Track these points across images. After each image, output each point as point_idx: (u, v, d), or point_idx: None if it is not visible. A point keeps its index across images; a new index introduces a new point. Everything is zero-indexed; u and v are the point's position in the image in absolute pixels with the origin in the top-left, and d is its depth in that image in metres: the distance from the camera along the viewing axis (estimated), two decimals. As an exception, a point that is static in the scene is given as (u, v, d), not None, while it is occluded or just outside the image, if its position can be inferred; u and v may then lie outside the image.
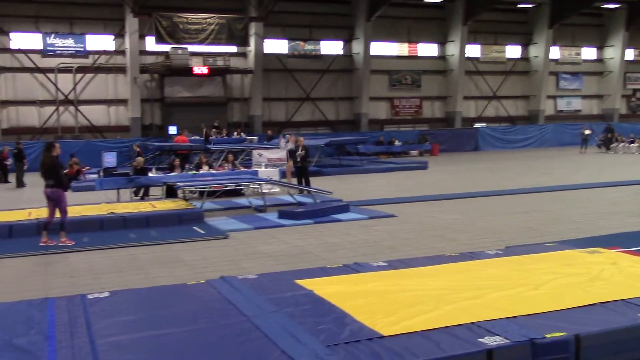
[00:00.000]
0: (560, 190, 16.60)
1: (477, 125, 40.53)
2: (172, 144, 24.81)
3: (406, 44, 39.51)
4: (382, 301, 5.70)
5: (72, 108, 32.05)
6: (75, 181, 19.84)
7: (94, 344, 4.80)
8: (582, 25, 43.52)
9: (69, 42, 31.66)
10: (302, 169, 17.64)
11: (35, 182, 20.65)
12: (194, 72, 32.80)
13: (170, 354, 4.58)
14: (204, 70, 32.99)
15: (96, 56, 32.17)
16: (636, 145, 32.84)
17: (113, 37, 32.38)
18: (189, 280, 7.43)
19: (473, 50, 40.92)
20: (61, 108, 31.81)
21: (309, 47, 36.81)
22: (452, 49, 39.63)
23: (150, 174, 16.90)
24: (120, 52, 32.54)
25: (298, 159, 17.81)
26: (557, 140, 39.81)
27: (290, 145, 16.78)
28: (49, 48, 31.27)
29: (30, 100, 31.25)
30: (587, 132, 33.78)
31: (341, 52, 37.60)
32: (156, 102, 33.54)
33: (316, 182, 18.27)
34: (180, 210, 12.77)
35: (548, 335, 4.62)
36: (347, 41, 37.59)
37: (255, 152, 21.58)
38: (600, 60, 45.39)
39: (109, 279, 8.16)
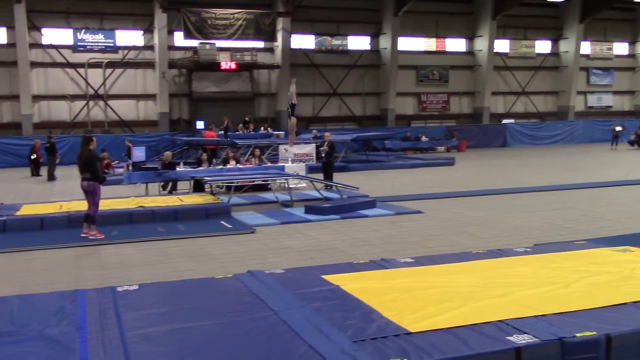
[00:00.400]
0: (590, 188, 16.37)
1: (505, 121, 40.11)
2: (200, 139, 25.01)
3: (434, 39, 39.23)
4: (409, 297, 5.69)
5: (101, 103, 32.48)
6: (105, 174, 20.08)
7: (123, 335, 4.86)
8: (614, 19, 42.77)
9: (99, 38, 32.08)
10: (327, 165, 17.64)
11: (66, 175, 21.04)
12: (222, 67, 33.01)
13: (198, 347, 4.63)
14: (232, 65, 33.17)
15: (125, 51, 32.54)
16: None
17: (142, 32, 32.71)
18: (216, 274, 7.49)
19: (502, 46, 40.50)
20: (91, 102, 32.26)
21: (336, 42, 36.76)
22: (481, 44, 39.26)
23: (178, 169, 17.05)
24: (149, 47, 32.87)
25: (323, 154, 17.82)
26: (587, 136, 39.27)
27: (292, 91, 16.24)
28: (79, 43, 31.71)
29: (61, 95, 31.74)
30: (618, 128, 33.23)
31: (368, 47, 37.48)
32: (184, 97, 33.82)
33: (342, 178, 18.27)
34: (208, 205, 12.87)
35: (578, 335, 4.57)
36: (375, 36, 37.46)
37: (281, 147, 21.62)
38: (632, 55, 44.59)
39: (138, 271, 8.27)
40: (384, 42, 37.09)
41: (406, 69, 38.12)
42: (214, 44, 32.82)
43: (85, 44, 31.82)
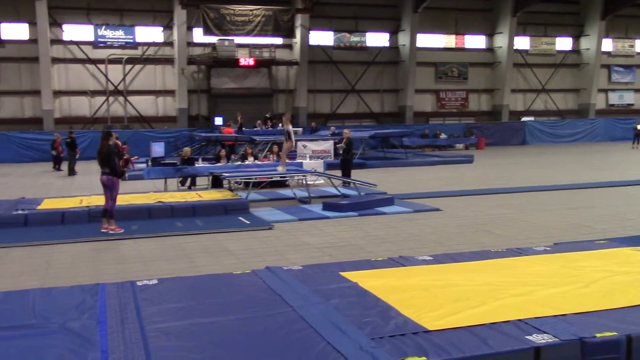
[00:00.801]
0: (610, 187, 16.20)
1: (524, 118, 39.78)
2: (218, 135, 25.10)
3: (453, 36, 38.99)
4: (427, 295, 5.67)
5: (121, 98, 32.71)
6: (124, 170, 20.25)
7: (143, 329, 4.91)
8: (636, 16, 42.14)
9: (119, 34, 32.29)
10: (345, 162, 17.63)
11: (86, 170, 21.23)
12: (240, 64, 33.10)
13: (217, 342, 4.66)
14: (250, 61, 33.25)
15: (145, 47, 32.73)
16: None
17: (162, 28, 32.89)
18: (234, 269, 7.52)
19: (522, 43, 40.13)
20: (111, 98, 32.51)
21: (354, 38, 36.67)
22: (500, 40, 38.95)
23: (196, 164, 17.14)
24: (168, 43, 33.03)
25: (340, 151, 17.80)
26: (608, 135, 38.82)
27: (287, 128, 16.30)
28: (99, 39, 31.96)
29: (81, 91, 32.02)
30: (640, 127, 32.81)
31: (387, 43, 37.35)
32: (203, 93, 33.96)
33: (360, 175, 18.24)
34: (226, 201, 12.92)
35: (598, 335, 4.53)
36: (393, 33, 37.32)
37: (299, 144, 21.65)
38: (655, 52, 44.00)
39: (157, 266, 8.33)
40: (403, 39, 36.94)
41: (425, 66, 37.93)
42: (233, 40, 32.91)
43: (106, 40, 32.06)
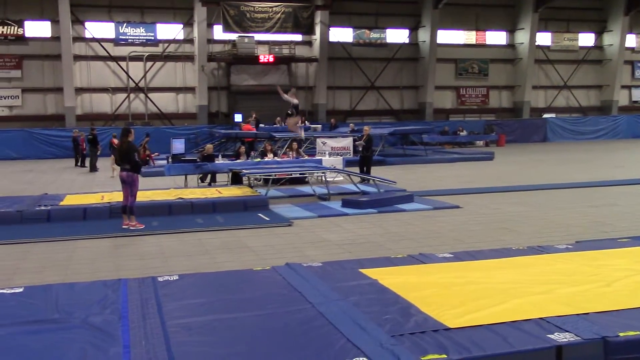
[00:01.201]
0: (633, 184, 15.98)
1: (546, 115, 39.39)
2: (238, 132, 25.19)
3: (474, 32, 38.69)
4: (447, 293, 5.65)
5: (142, 95, 32.95)
6: (145, 166, 20.42)
7: (164, 325, 4.95)
8: (661, 11, 41.55)
9: (140, 31, 32.52)
10: (365, 159, 17.60)
11: (107, 166, 21.41)
12: (260, 61, 33.14)
13: (237, 337, 4.68)
14: (270, 58, 33.28)
15: (166, 45, 32.92)
16: None
17: (182, 26, 33.06)
18: (254, 266, 7.55)
19: (543, 39, 39.73)
20: (132, 95, 32.77)
21: (374, 35, 36.56)
22: (522, 37, 38.60)
23: (216, 161, 17.22)
24: (188, 40, 33.20)
25: (359, 148, 17.78)
26: (631, 132, 38.32)
27: (293, 100, 16.46)
28: (121, 37, 32.21)
29: (103, 88, 32.31)
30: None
31: (407, 40, 37.18)
32: (222, 90, 34.09)
33: (380, 172, 18.20)
34: (246, 197, 12.97)
35: (622, 334, 4.48)
36: (413, 29, 37.14)
37: (319, 141, 21.65)
38: (680, 48, 43.30)
39: (178, 262, 8.39)
40: (423, 35, 36.75)
41: (445, 62, 37.70)
42: (253, 37, 32.98)
43: (127, 37, 32.30)
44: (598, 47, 41.24)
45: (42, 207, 11.66)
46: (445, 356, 4.17)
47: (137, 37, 32.46)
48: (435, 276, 6.28)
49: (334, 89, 35.78)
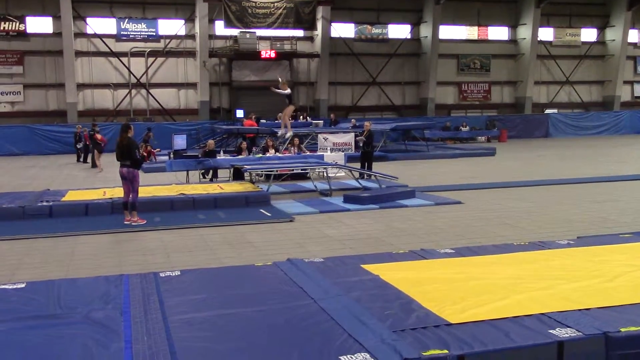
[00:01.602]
0: (635, 180, 15.96)
1: (548, 111, 39.34)
2: (240, 127, 25.18)
3: (476, 28, 38.63)
4: (449, 288, 5.65)
5: (143, 91, 32.95)
6: (147, 162, 20.44)
7: (166, 320, 4.95)
8: (664, 7, 41.44)
9: (141, 27, 32.51)
10: (366, 154, 17.59)
11: (109, 162, 21.43)
12: (262, 56, 33.12)
13: (239, 333, 4.69)
14: (272, 54, 33.25)
15: (167, 40, 32.91)
16: None
17: (183, 21, 33.03)
18: (256, 261, 7.56)
19: (546, 34, 39.65)
20: (133, 91, 32.77)
21: (376, 30, 36.51)
22: (524, 32, 38.52)
23: (218, 157, 17.22)
24: (190, 36, 33.19)
25: (361, 144, 17.77)
26: (634, 127, 38.28)
27: (285, 90, 16.59)
28: (122, 33, 32.20)
29: (104, 84, 32.32)
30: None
31: (409, 35, 37.12)
32: (224, 85, 34.09)
33: (381, 167, 18.20)
34: (247, 193, 12.97)
35: (623, 330, 4.48)
36: (415, 25, 37.08)
37: (320, 136, 21.64)
38: (682, 43, 43.20)
39: (180, 258, 8.40)
40: (425, 31, 36.69)
41: (447, 58, 37.66)
42: (254, 32, 32.95)
43: (128, 33, 32.29)
44: (600, 42, 41.15)
45: (44, 203, 11.68)
46: (447, 351, 4.17)
47: (139, 33, 32.45)
48: (436, 272, 6.28)
49: (335, 84, 35.75)
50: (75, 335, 4.69)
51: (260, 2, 32.75)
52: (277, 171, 15.17)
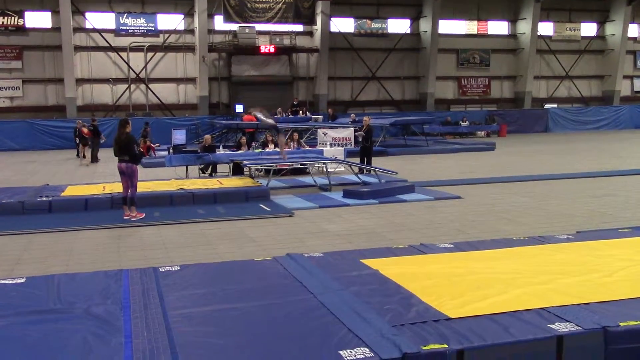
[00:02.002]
0: (635, 175, 15.97)
1: (547, 105, 39.29)
2: (239, 122, 25.16)
3: (475, 22, 38.54)
4: (448, 283, 5.66)
5: (143, 86, 32.90)
6: (146, 157, 20.43)
7: (166, 315, 4.96)
8: (664, 1, 41.37)
9: (140, 22, 32.43)
10: (365, 149, 17.58)
11: (108, 157, 21.43)
12: (261, 51, 33.05)
13: (239, 327, 4.69)
14: (271, 49, 33.19)
15: (166, 35, 32.83)
16: None
17: (183, 16, 32.95)
18: (256, 256, 7.57)
19: (545, 29, 39.57)
20: (133, 86, 32.71)
21: (375, 25, 36.43)
22: (524, 27, 38.45)
23: (217, 152, 17.21)
24: (189, 31, 33.11)
25: (360, 139, 17.76)
26: (633, 122, 38.25)
27: (261, 116, 16.56)
28: (121, 27, 32.12)
29: (104, 79, 32.25)
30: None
31: (408, 30, 37.05)
32: (223, 80, 34.03)
33: (381, 162, 18.20)
34: (247, 188, 12.97)
35: (622, 324, 4.49)
36: (415, 19, 37.01)
37: (320, 131, 21.63)
38: (682, 38, 43.13)
39: (179, 252, 8.41)
40: (424, 25, 36.62)
41: (446, 53, 37.59)
42: (254, 27, 32.87)
43: (127, 28, 32.21)
44: (600, 37, 41.09)
45: (44, 198, 11.67)
46: (446, 346, 4.18)
47: (138, 28, 32.38)
48: (436, 266, 6.28)
49: (335, 79, 35.70)
50: (76, 330, 4.69)
51: (260, -3, 32.70)
52: (276, 166, 15.18)
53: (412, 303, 5.10)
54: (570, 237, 7.75)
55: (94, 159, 22.30)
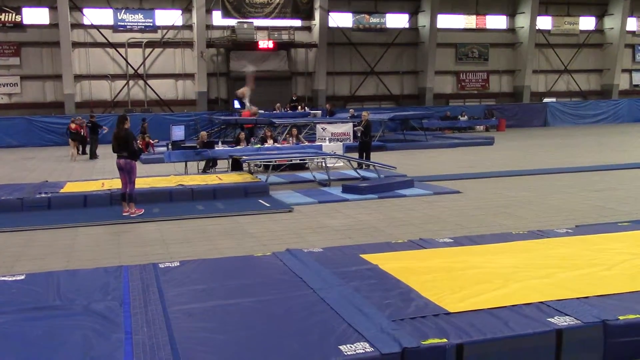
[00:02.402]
0: (634, 168, 15.97)
1: (546, 100, 39.29)
2: (238, 118, 25.13)
3: (474, 16, 38.48)
4: (448, 278, 5.67)
5: (141, 82, 32.85)
6: (145, 153, 20.41)
7: (166, 311, 4.97)
8: (663, -6, 41.32)
9: (138, 18, 32.35)
10: (364, 144, 17.58)
11: (107, 154, 21.41)
12: (259, 47, 32.99)
13: (239, 323, 4.70)
14: (269, 44, 33.13)
15: (164, 31, 32.75)
16: None
17: (181, 12, 32.88)
18: (255, 252, 7.57)
19: (544, 22, 39.54)
20: (131, 82, 32.66)
21: (374, 20, 36.37)
22: (522, 21, 38.41)
23: (216, 147, 17.19)
24: (187, 26, 33.04)
25: (358, 134, 17.74)
26: (632, 116, 38.26)
27: (246, 103, 16.68)
28: (119, 23, 32.05)
29: (102, 75, 32.19)
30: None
31: (406, 25, 37.00)
32: (222, 76, 33.99)
33: (380, 157, 18.19)
34: (246, 183, 12.97)
35: (621, 317, 4.50)
36: (413, 14, 36.95)
37: (319, 126, 21.61)
38: (681, 31, 43.09)
39: (179, 248, 8.41)
40: (423, 20, 36.57)
41: (445, 47, 37.55)
42: (252, 22, 32.81)
43: (125, 23, 32.14)
44: (599, 30, 41.05)
45: (43, 195, 11.67)
46: (446, 340, 4.19)
47: (136, 24, 32.30)
48: (435, 261, 6.29)
49: (333, 74, 35.66)
50: (76, 326, 4.70)
51: (258, -8, 32.61)
52: (275, 162, 15.16)
53: (412, 298, 5.11)
54: (570, 231, 7.77)
55: (93, 155, 22.28)
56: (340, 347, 4.13)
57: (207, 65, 32.93)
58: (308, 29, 35.09)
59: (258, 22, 33.12)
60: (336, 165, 17.13)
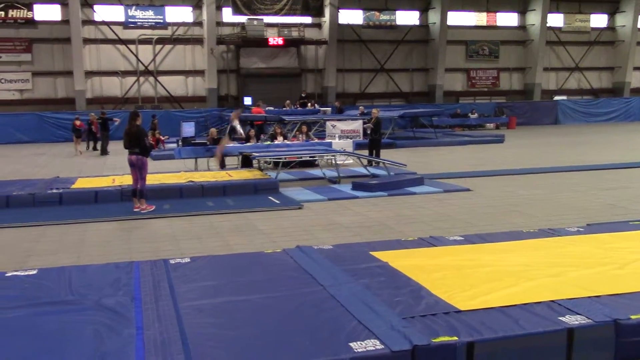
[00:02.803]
0: (646, 167, 15.88)
1: (557, 97, 39.09)
2: (248, 115, 25.16)
3: (484, 14, 38.34)
4: (458, 276, 5.66)
5: (151, 79, 32.95)
6: (155, 150, 20.47)
7: (177, 306, 4.99)
8: (676, -9, 40.97)
9: (149, 14, 32.44)
10: (374, 142, 17.55)
11: (118, 150, 21.50)
12: (269, 43, 33.01)
13: (249, 319, 4.71)
14: (279, 41, 33.14)
15: (175, 28, 32.84)
16: None
17: (191, 8, 32.94)
18: (265, 248, 7.59)
19: (555, 20, 39.32)
20: (141, 78, 32.77)
21: (384, 17, 36.30)
22: (533, 18, 38.21)
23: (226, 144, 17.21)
24: (197, 23, 33.10)
25: (368, 131, 17.72)
26: (644, 114, 38.04)
27: (235, 124, 16.96)
28: (130, 20, 32.15)
29: (112, 71, 32.32)
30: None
31: (417, 22, 36.91)
32: (232, 73, 34.04)
33: (390, 154, 18.17)
34: (256, 180, 12.98)
35: (633, 317, 4.48)
36: (423, 11, 36.85)
37: (328, 124, 21.59)
38: (694, 29, 42.72)
39: (189, 245, 8.44)
40: (433, 17, 36.46)
41: (455, 45, 37.42)
42: (262, 19, 32.84)
43: (136, 20, 32.25)
44: (610, 28, 40.78)
45: (54, 190, 11.73)
46: (456, 338, 4.18)
47: (146, 20, 32.40)
48: (446, 259, 6.28)
49: (343, 71, 35.63)
50: (87, 321, 4.73)
51: (268, -11, 32.63)
52: (285, 158, 15.17)
53: (422, 295, 5.10)
54: (581, 229, 7.73)
55: (104, 151, 22.38)
56: (350, 344, 4.13)
57: (217, 62, 32.99)
58: (318, 26, 35.07)
59: (268, 19, 33.15)
60: (346, 162, 17.12)
